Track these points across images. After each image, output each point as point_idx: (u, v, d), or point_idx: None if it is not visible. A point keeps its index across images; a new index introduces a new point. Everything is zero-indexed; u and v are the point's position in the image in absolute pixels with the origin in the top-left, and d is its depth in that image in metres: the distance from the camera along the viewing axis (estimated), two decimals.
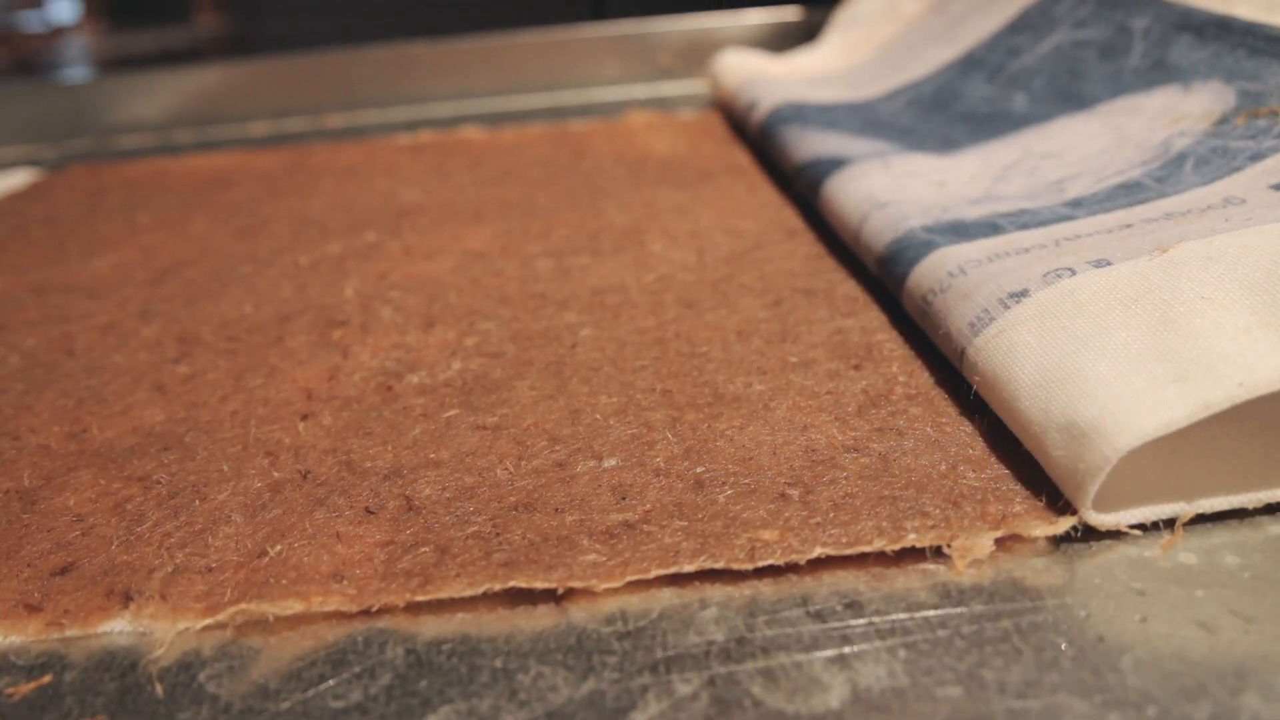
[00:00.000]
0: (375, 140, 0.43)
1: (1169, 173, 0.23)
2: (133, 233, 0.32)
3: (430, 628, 0.15)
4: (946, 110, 0.33)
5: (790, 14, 0.51)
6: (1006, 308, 0.18)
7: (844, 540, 0.15)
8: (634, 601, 0.15)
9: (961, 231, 0.22)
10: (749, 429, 0.18)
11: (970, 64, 0.35)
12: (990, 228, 0.22)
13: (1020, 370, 0.17)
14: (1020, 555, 0.15)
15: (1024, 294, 0.18)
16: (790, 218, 0.30)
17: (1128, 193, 0.22)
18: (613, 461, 0.18)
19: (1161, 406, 0.15)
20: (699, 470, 0.17)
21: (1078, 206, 0.23)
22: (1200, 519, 0.15)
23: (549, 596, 0.15)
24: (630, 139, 0.40)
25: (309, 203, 0.34)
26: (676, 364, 0.21)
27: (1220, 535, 0.15)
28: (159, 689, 0.14)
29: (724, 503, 0.16)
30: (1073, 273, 0.18)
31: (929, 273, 0.21)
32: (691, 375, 0.21)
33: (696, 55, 0.50)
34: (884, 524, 0.15)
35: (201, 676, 0.14)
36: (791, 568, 0.15)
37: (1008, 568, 0.15)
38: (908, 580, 0.15)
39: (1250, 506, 0.15)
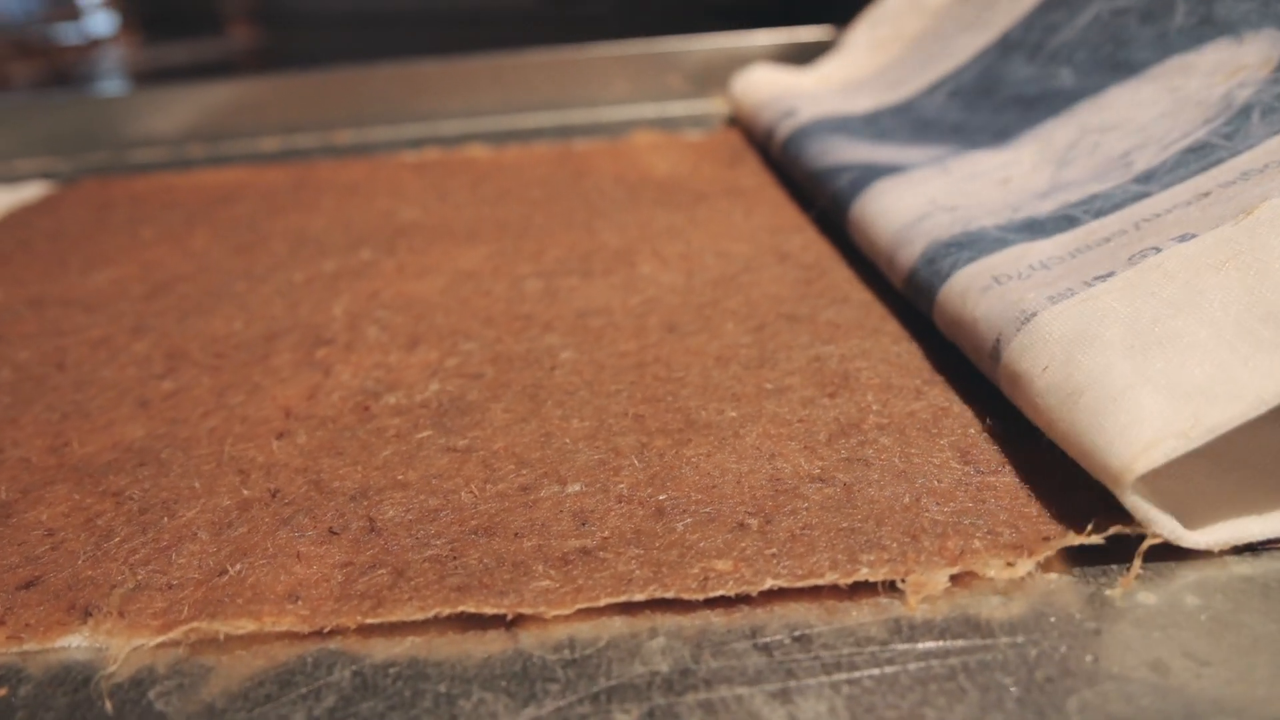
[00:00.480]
0: (381, 157, 0.43)
1: (1236, 127, 0.22)
2: (134, 247, 0.33)
3: (381, 650, 0.15)
4: (992, 96, 0.33)
5: (803, 34, 0.51)
6: (1090, 285, 0.18)
7: (798, 572, 0.15)
8: (585, 629, 0.15)
9: (1037, 229, 0.22)
10: (716, 456, 0.18)
11: (1007, 46, 0.34)
12: (1066, 220, 0.22)
13: (1107, 330, 0.16)
14: (978, 591, 0.15)
15: (1109, 275, 0.18)
16: (784, 242, 0.30)
17: (1198, 156, 0.22)
18: (576, 487, 0.18)
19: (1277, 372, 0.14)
20: (661, 497, 0.17)
21: (1149, 181, 0.22)
22: (1163, 556, 0.15)
23: (501, 621, 0.15)
24: (633, 159, 0.40)
25: (309, 219, 0.35)
26: (652, 389, 0.21)
27: (1184, 574, 0.15)
28: (109, 705, 0.14)
29: (682, 531, 0.16)
30: (1158, 250, 0.18)
31: (1004, 262, 0.21)
32: (666, 400, 0.21)
33: (706, 75, 0.51)
34: (839, 557, 0.15)
35: (152, 694, 0.14)
36: (746, 599, 0.15)
37: (964, 603, 0.15)
38: (861, 614, 0.15)
39: None
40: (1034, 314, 0.18)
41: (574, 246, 0.30)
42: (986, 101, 0.33)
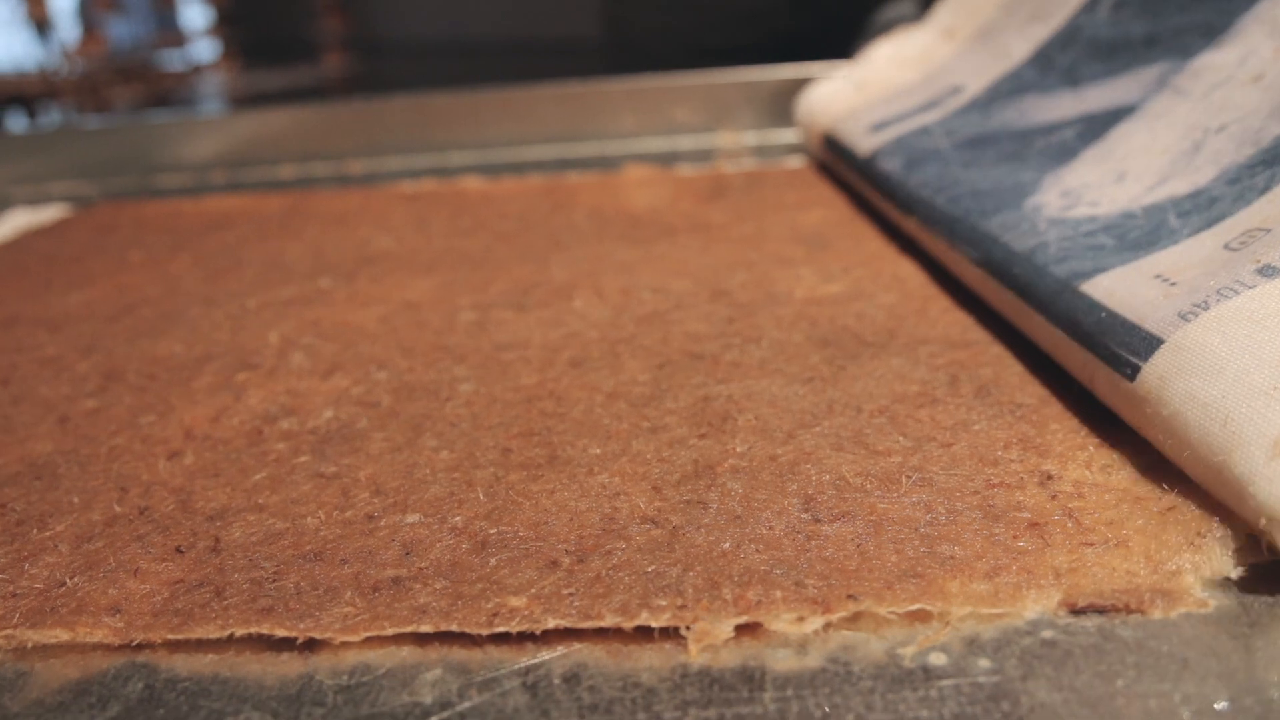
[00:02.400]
0: (379, 187, 0.45)
1: None
2: (117, 270, 0.35)
3: (182, 665, 0.16)
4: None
5: (811, 71, 0.51)
6: None
7: (585, 613, 0.15)
8: (375, 656, 0.15)
9: None
10: (560, 493, 0.19)
11: None
12: None
13: None
14: (771, 643, 0.15)
15: None
16: (726, 279, 0.30)
17: None
18: (416, 517, 0.18)
19: None
20: (492, 531, 0.18)
21: None
22: (984, 617, 0.15)
23: (306, 644, 0.16)
24: (616, 193, 0.41)
25: (287, 247, 0.37)
26: (533, 423, 0.22)
27: (990, 633, 0.15)
28: None
29: (494, 566, 0.17)
30: None
31: None
32: (540, 435, 0.21)
33: (711, 109, 0.51)
34: (632, 600, 0.15)
35: None
36: (539, 636, 0.15)
37: (752, 654, 0.15)
38: (647, 659, 0.15)
39: None
40: None
41: (521, 279, 0.31)
42: (1167, 3, 0.31)
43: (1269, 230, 0.20)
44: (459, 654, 0.15)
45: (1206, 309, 0.18)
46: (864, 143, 0.38)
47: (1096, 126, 0.28)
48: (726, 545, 0.17)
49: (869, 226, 0.35)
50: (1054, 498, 0.18)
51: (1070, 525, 0.17)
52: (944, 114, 0.37)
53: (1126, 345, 0.19)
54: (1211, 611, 0.15)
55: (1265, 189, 0.21)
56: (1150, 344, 0.19)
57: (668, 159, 0.48)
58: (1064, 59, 0.34)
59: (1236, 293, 0.18)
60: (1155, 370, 0.18)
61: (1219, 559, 0.16)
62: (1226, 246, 0.20)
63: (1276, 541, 0.15)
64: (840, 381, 0.23)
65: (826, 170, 0.44)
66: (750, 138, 0.51)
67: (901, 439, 0.20)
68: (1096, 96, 0.30)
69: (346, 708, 0.14)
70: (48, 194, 0.50)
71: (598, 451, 0.20)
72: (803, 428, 0.21)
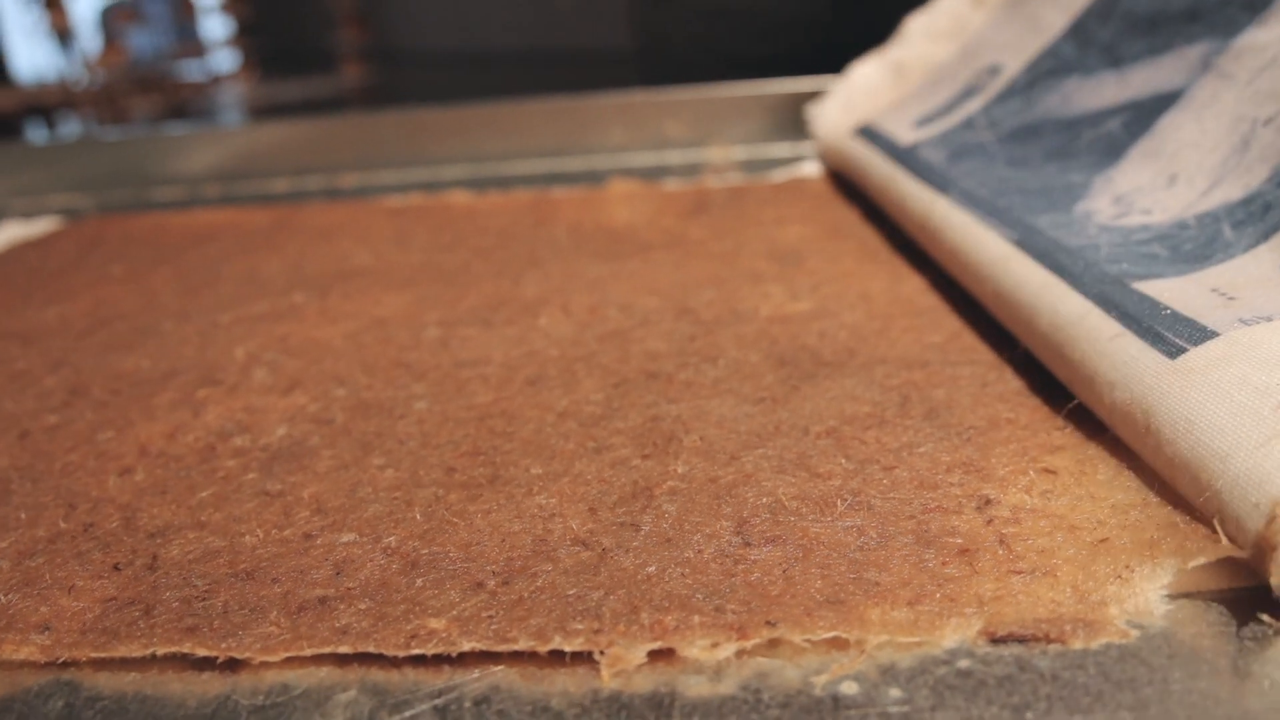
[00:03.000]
0: (367, 201, 0.46)
1: None
2: (97, 284, 0.36)
3: (105, 683, 0.16)
4: None
5: (804, 85, 0.51)
6: None
7: (501, 637, 0.15)
8: (295, 676, 0.16)
9: None
10: (496, 514, 0.19)
11: None
12: None
13: None
14: (687, 669, 0.15)
15: None
16: (694, 297, 0.30)
17: None
18: (351, 536, 0.19)
19: None
20: (424, 551, 0.18)
21: None
22: (902, 645, 0.15)
23: (228, 663, 0.16)
24: (599, 208, 0.41)
25: (266, 262, 0.37)
26: (481, 441, 0.22)
27: (906, 662, 0.15)
28: None
29: (420, 587, 0.17)
30: None
31: None
32: (486, 454, 0.21)
33: (700, 124, 0.51)
34: (549, 624, 0.16)
35: None
36: (458, 659, 0.16)
37: (666, 679, 0.15)
38: (559, 683, 0.15)
39: None
40: None
41: (492, 296, 0.32)
42: None
43: None
44: (377, 675, 0.15)
45: (1270, 320, 0.19)
46: (907, 135, 0.38)
47: (1143, 116, 0.28)
48: (652, 569, 0.17)
49: (847, 242, 0.35)
50: (990, 523, 0.18)
51: (1001, 552, 0.17)
52: (986, 101, 0.37)
53: (1174, 330, 0.19)
54: (1133, 643, 0.15)
55: None
56: (1203, 334, 0.19)
57: (657, 174, 0.48)
58: (1104, 33, 0.34)
59: None
60: (1204, 354, 0.18)
61: (1146, 593, 0.16)
62: None
63: None
64: (792, 402, 0.23)
65: (832, 170, 0.44)
66: (740, 152, 0.51)
67: (844, 461, 0.20)
68: (1140, 80, 0.29)
69: None
70: (45, 206, 0.51)
71: (539, 472, 0.20)
72: (747, 449, 0.21)
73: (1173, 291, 0.22)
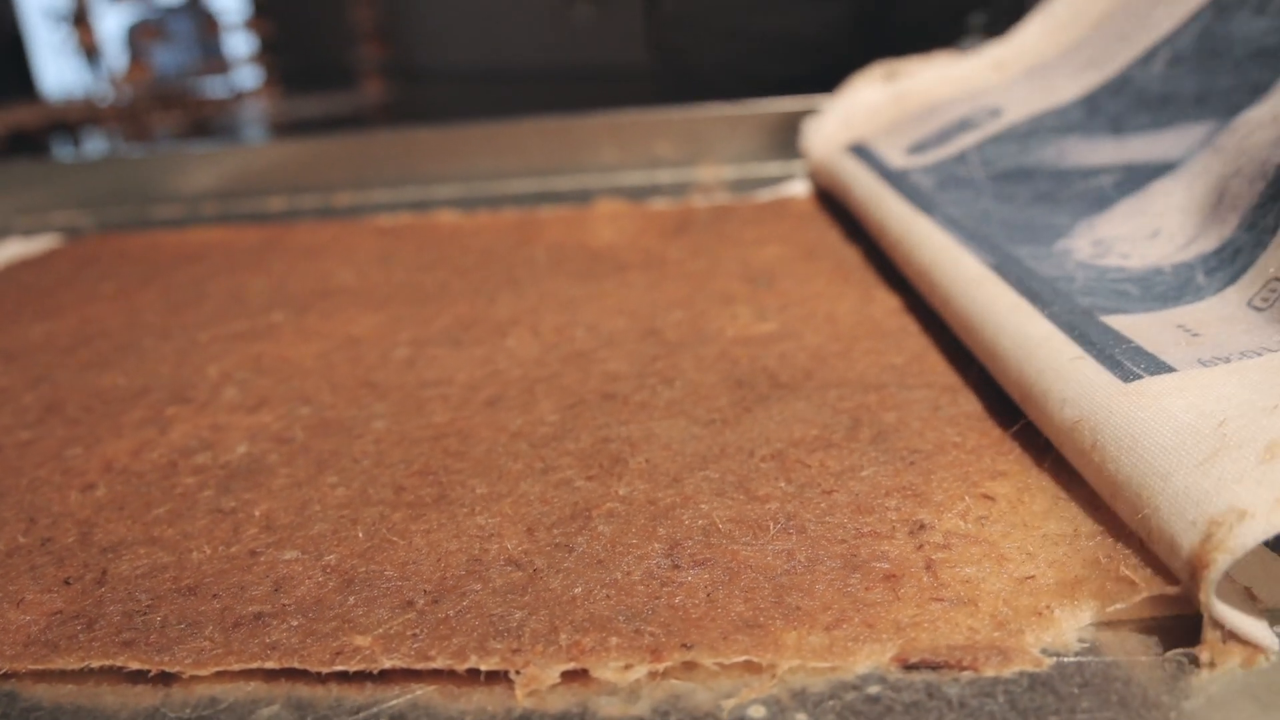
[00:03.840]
0: (356, 220, 0.47)
1: None
2: (85, 302, 0.36)
3: (44, 694, 0.16)
4: (1225, 57, 0.32)
5: (791, 104, 0.52)
6: None
7: (422, 655, 0.16)
8: (224, 690, 0.16)
9: None
10: (436, 533, 0.19)
11: (1222, 6, 0.33)
12: None
13: None
14: (601, 690, 0.15)
15: None
16: (663, 317, 0.30)
17: None
18: (294, 554, 0.19)
19: None
20: (361, 570, 0.18)
21: None
22: (817, 670, 0.15)
23: (161, 677, 0.16)
24: (582, 228, 0.42)
25: (251, 280, 0.38)
26: (434, 461, 0.22)
27: (819, 687, 0.15)
28: None
29: (352, 605, 0.17)
30: None
31: None
32: (435, 474, 0.22)
33: (691, 143, 0.52)
34: (469, 643, 0.16)
35: None
36: (382, 677, 0.16)
37: (581, 700, 0.15)
38: (477, 701, 0.15)
39: None
40: None
41: (465, 316, 0.32)
42: (1221, 62, 0.32)
43: None
44: (303, 691, 0.16)
45: (1227, 362, 0.19)
46: (899, 160, 0.39)
47: (1136, 178, 0.29)
48: (578, 590, 0.17)
49: (822, 263, 0.35)
50: (920, 548, 0.18)
51: (926, 579, 0.17)
52: (981, 138, 0.38)
53: (1133, 360, 0.20)
54: (1046, 672, 0.15)
55: (1276, 227, 0.22)
56: (1160, 367, 0.19)
57: (648, 193, 0.49)
58: (1112, 106, 0.35)
59: (1259, 355, 0.19)
60: (1158, 383, 0.19)
61: (1064, 632, 0.16)
62: (1250, 304, 0.21)
63: (1233, 540, 0.15)
64: (742, 424, 0.23)
65: (820, 188, 0.45)
66: (731, 171, 0.52)
67: (784, 485, 0.20)
68: (1140, 147, 0.31)
69: None
70: (48, 224, 0.52)
71: (484, 492, 0.21)
72: (690, 471, 0.21)
73: (1138, 326, 0.22)
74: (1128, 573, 0.17)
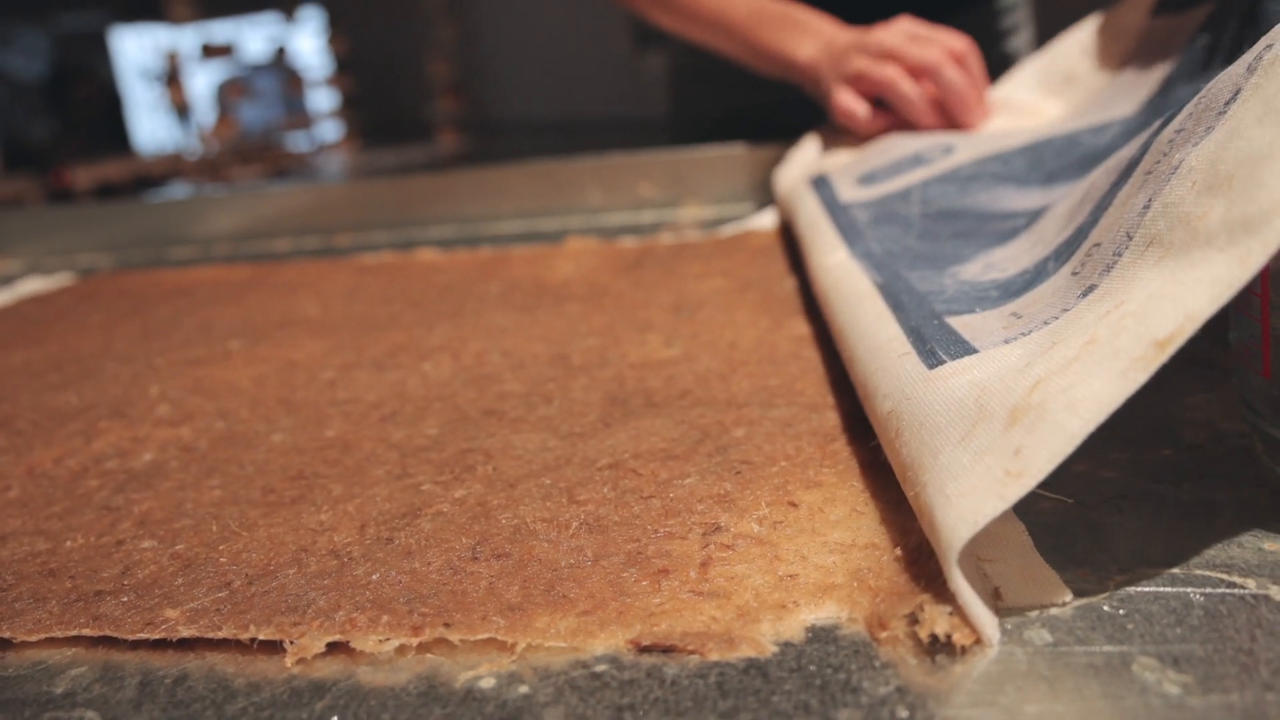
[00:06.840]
0: (342, 259, 0.50)
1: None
2: (71, 332, 0.40)
3: None
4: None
5: (772, 151, 0.54)
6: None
7: (212, 626, 0.18)
8: (50, 655, 0.18)
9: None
10: (279, 527, 0.22)
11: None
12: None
13: None
14: (369, 662, 0.17)
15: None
16: (577, 345, 0.32)
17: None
18: (151, 544, 0.22)
19: None
20: (203, 556, 0.21)
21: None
22: (562, 650, 0.17)
23: (5, 643, 0.19)
24: (545, 264, 0.45)
25: (224, 312, 0.42)
26: (310, 467, 0.25)
27: (559, 665, 0.17)
28: None
29: (179, 585, 0.20)
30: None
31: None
32: (309, 478, 0.24)
33: (673, 184, 0.54)
34: (260, 617, 0.18)
35: None
36: (187, 645, 0.18)
37: (349, 669, 0.17)
38: (255, 668, 0.17)
39: None
40: None
41: (399, 343, 0.35)
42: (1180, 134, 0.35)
43: (1099, 244, 0.22)
44: (116, 657, 0.18)
45: (1028, 335, 0.21)
46: (848, 192, 0.41)
47: (1040, 212, 0.31)
48: (376, 576, 0.19)
49: (754, 294, 0.37)
50: (705, 548, 0.19)
51: (694, 575, 0.18)
52: (928, 174, 0.40)
53: (946, 349, 0.22)
54: (769, 659, 0.16)
55: (1110, 204, 0.23)
56: (966, 351, 0.21)
57: (627, 232, 0.51)
58: (1054, 163, 0.38)
59: (1056, 318, 0.21)
60: (956, 366, 0.21)
61: (795, 623, 0.17)
62: (1073, 273, 0.23)
63: (974, 514, 0.16)
64: (597, 437, 0.25)
65: (783, 219, 0.47)
66: (711, 212, 0.54)
67: (608, 490, 0.22)
68: (1059, 192, 0.32)
69: None
70: (72, 264, 0.57)
71: (339, 493, 0.23)
72: (529, 478, 0.23)
73: (977, 322, 0.23)
74: (874, 584, 0.18)
